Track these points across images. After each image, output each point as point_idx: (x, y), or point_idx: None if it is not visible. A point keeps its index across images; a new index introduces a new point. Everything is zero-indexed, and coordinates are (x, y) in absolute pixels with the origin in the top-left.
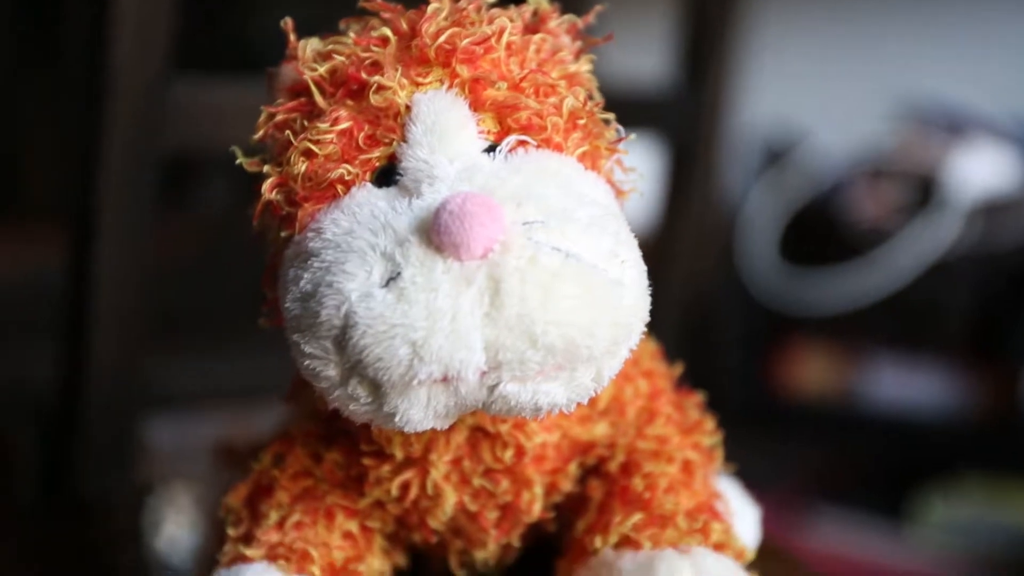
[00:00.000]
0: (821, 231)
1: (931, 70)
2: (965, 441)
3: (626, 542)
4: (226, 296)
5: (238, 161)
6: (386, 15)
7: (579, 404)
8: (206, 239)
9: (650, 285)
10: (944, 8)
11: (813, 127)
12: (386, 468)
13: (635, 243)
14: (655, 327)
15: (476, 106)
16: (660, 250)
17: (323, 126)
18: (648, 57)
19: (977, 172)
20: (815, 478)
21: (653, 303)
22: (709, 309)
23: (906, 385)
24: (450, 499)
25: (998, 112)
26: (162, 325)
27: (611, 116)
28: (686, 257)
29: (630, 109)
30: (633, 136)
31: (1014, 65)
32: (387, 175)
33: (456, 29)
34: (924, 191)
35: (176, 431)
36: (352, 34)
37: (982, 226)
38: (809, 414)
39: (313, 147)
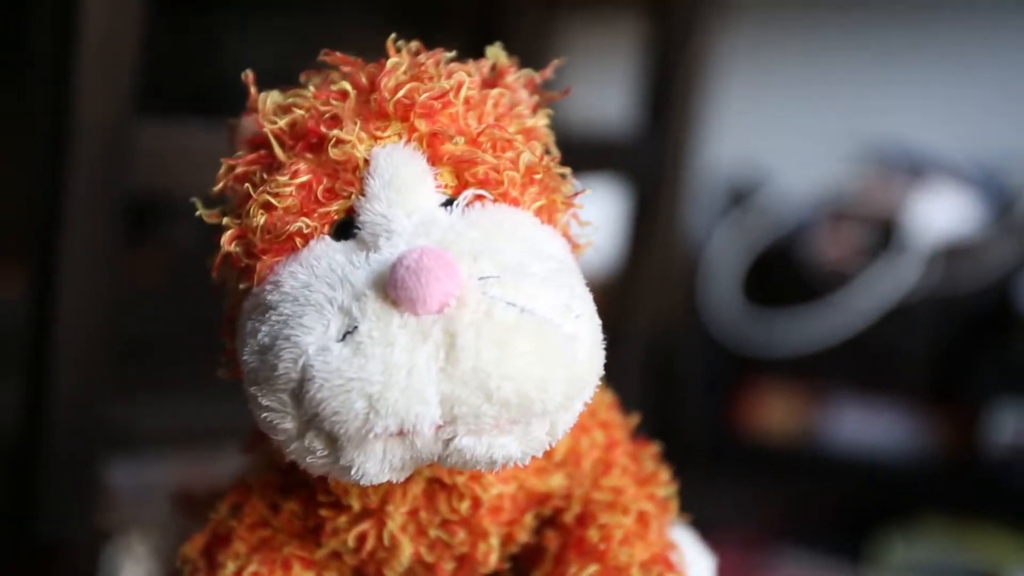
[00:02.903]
0: (784, 273)
1: (893, 114)
2: (926, 483)
3: None
4: (190, 335)
5: (198, 213)
6: (346, 69)
7: (535, 456)
8: (171, 277)
9: (612, 328)
10: (906, 52)
11: (776, 169)
12: (343, 519)
13: (590, 297)
14: (618, 368)
15: (434, 160)
16: (623, 291)
17: (282, 179)
18: (611, 100)
19: (938, 216)
20: (776, 519)
21: (616, 344)
22: (672, 350)
23: (867, 427)
24: (406, 550)
25: (959, 156)
26: (125, 364)
27: (567, 170)
28: (649, 298)
29: (594, 152)
30: (590, 190)
31: (975, 109)
32: (345, 228)
33: (415, 84)
34: (885, 234)
35: (138, 472)
36: (312, 87)
37: (942, 269)
38: (770, 455)
39: (272, 200)
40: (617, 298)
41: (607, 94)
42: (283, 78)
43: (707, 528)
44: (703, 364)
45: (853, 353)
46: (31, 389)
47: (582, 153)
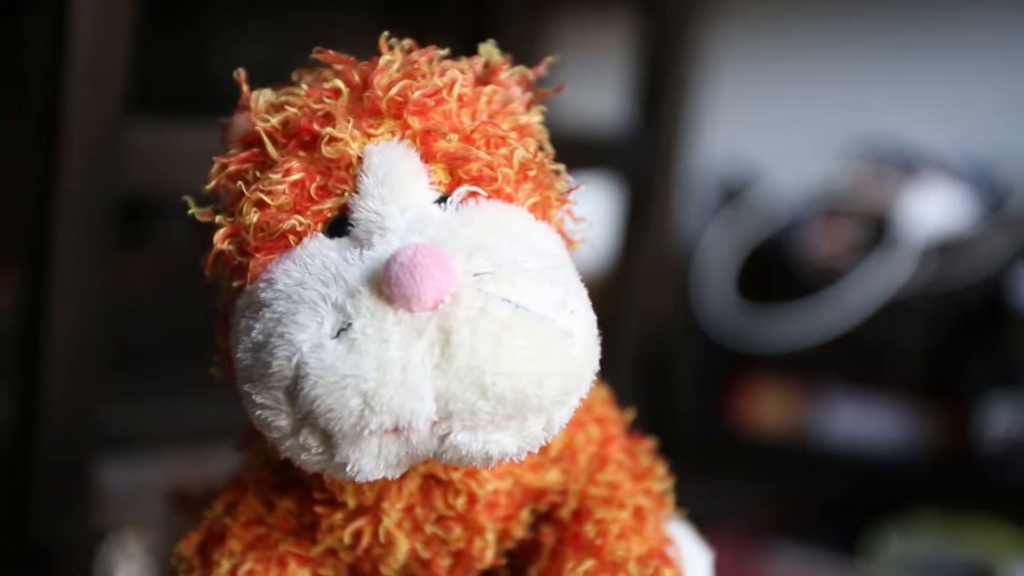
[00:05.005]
0: (777, 269)
1: (885, 110)
2: (920, 477)
3: None
4: (183, 335)
5: (191, 211)
6: (338, 67)
7: (530, 452)
8: (163, 277)
9: (606, 325)
10: (898, 49)
11: (768, 166)
12: (339, 516)
13: (585, 293)
14: (612, 365)
15: (427, 157)
16: (617, 288)
17: (275, 177)
18: (604, 97)
19: (930, 211)
20: (771, 514)
21: (610, 341)
22: (666, 346)
23: (861, 422)
24: (403, 546)
25: (951, 152)
26: (118, 365)
27: (562, 167)
28: (643, 295)
29: (587, 150)
30: (584, 186)
31: (967, 105)
32: (339, 226)
33: (408, 81)
34: (878, 230)
35: (131, 472)
36: (304, 85)
37: (935, 265)
38: (765, 451)
39: (265, 198)
40: (611, 294)
41: (599, 91)
42: (275, 76)
43: (702, 523)
44: (697, 360)
45: (847, 349)
46: (24, 390)
47: (574, 150)
